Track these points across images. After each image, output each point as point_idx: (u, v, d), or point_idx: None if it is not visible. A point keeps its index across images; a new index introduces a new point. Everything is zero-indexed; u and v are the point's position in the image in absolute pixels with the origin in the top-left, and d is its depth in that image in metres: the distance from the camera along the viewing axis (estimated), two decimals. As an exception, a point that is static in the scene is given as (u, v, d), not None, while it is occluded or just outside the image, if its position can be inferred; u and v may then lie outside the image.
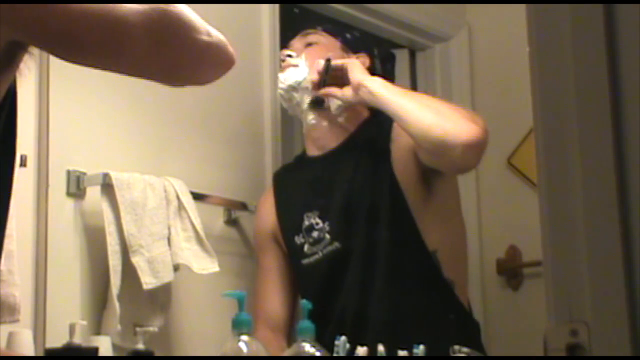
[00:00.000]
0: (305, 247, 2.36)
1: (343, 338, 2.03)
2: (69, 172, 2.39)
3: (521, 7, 1.23)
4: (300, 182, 2.46)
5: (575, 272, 1.10)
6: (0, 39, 1.33)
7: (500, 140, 3.33)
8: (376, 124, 2.39)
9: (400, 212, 2.27)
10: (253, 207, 2.76)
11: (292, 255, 2.41)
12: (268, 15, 2.88)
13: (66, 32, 1.35)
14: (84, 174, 2.41)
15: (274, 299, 2.41)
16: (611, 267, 1.08)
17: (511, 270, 3.28)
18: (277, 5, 2.90)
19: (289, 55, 2.47)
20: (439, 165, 2.27)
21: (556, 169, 1.14)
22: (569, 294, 1.10)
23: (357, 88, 2.29)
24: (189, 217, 2.50)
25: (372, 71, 2.45)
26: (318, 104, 2.45)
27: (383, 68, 2.53)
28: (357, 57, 2.46)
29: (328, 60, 2.37)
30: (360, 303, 2.28)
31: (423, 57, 3.43)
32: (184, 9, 1.45)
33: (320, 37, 2.49)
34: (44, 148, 2.37)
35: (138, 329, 2.24)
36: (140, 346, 2.19)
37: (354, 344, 2.06)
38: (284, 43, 2.70)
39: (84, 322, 2.22)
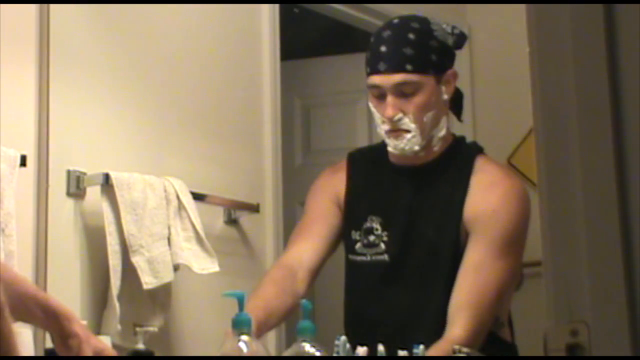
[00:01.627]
0: (358, 245, 2.34)
1: (343, 338, 2.03)
2: (69, 172, 2.39)
3: (521, 7, 1.23)
4: (375, 179, 2.41)
5: (575, 272, 1.10)
6: None
7: (500, 140, 3.34)
8: (460, 153, 2.35)
9: (457, 253, 2.26)
10: (253, 207, 2.77)
11: (343, 244, 2.39)
12: (268, 15, 2.88)
13: None
14: (84, 174, 2.41)
15: (313, 241, 2.35)
16: (611, 267, 1.08)
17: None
18: (277, 5, 2.90)
19: (398, 120, 2.26)
20: None
21: (556, 169, 1.14)
22: (569, 294, 1.10)
23: None
24: (189, 217, 2.50)
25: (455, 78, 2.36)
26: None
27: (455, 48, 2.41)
28: (448, 77, 2.32)
29: None
30: (396, 325, 2.28)
31: (423, 57, 3.43)
32: None
33: (415, 84, 2.27)
34: (44, 148, 2.37)
35: (138, 329, 2.24)
36: (140, 346, 2.19)
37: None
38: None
39: (84, 322, 2.22)
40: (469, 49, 3.45)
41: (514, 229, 2.28)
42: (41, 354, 2.20)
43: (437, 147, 2.32)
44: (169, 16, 2.68)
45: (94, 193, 2.40)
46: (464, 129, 3.41)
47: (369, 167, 2.41)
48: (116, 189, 2.37)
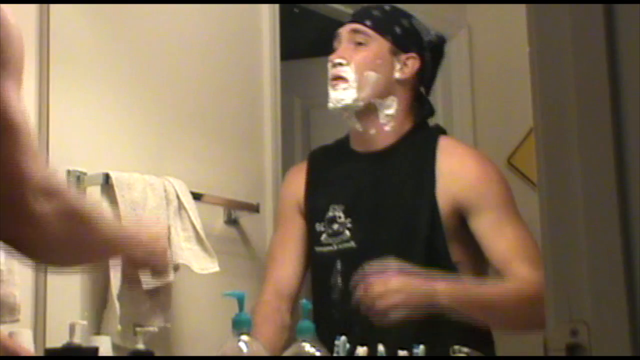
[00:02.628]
0: (323, 236, 2.36)
1: (343, 338, 2.03)
2: (69, 172, 2.39)
3: (521, 7, 1.23)
4: (335, 170, 2.44)
5: (575, 272, 1.10)
6: None
7: (500, 140, 3.34)
8: (421, 137, 2.37)
9: (434, 235, 2.27)
10: (253, 207, 2.77)
11: (309, 237, 2.41)
12: (268, 15, 2.88)
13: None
14: (84, 174, 2.41)
15: (287, 266, 2.40)
16: (611, 267, 1.08)
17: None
18: (277, 5, 2.90)
19: (340, 63, 2.38)
20: None
21: (556, 169, 1.14)
22: (569, 294, 1.10)
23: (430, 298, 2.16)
24: (189, 217, 2.50)
25: (423, 72, 2.41)
26: (363, 111, 2.39)
27: (433, 59, 2.46)
28: (407, 58, 2.39)
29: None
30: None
31: (423, 57, 3.43)
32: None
33: (369, 37, 2.39)
34: (43, 148, 2.36)
35: (138, 329, 2.24)
36: (140, 346, 2.19)
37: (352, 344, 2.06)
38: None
39: (84, 322, 2.22)
40: (469, 49, 3.45)
41: (506, 189, 2.33)
42: (41, 354, 2.20)
43: (388, 127, 2.35)
44: (169, 16, 2.68)
45: (94, 193, 2.40)
46: (464, 129, 3.42)
47: (330, 159, 2.45)
48: (116, 189, 2.37)
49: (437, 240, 2.27)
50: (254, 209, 2.77)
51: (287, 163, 3.02)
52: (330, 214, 2.36)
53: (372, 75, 2.36)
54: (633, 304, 1.06)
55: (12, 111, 1.35)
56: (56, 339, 2.19)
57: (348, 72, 2.36)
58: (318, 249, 2.37)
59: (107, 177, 2.38)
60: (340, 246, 2.33)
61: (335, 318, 2.29)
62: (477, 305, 2.14)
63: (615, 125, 1.10)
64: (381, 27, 2.41)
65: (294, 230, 2.44)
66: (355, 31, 2.41)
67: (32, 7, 2.41)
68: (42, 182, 1.36)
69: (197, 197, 2.56)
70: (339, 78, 2.37)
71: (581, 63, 1.13)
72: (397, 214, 2.32)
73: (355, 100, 2.35)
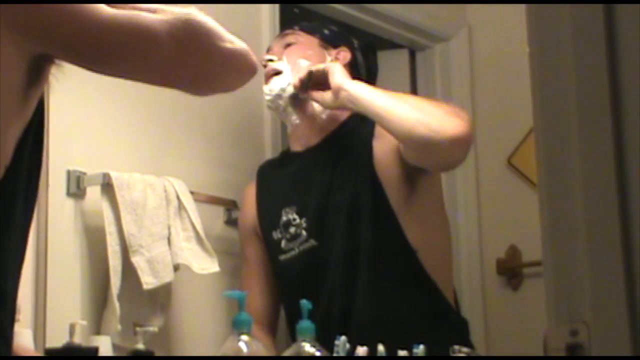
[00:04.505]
0: (283, 243, 2.37)
1: (343, 338, 2.03)
2: (69, 172, 2.39)
3: (521, 7, 1.23)
4: (281, 177, 2.46)
5: (575, 272, 1.10)
6: (28, 53, 1.34)
7: (500, 140, 3.34)
8: (359, 121, 2.39)
9: (382, 211, 2.27)
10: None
11: (270, 250, 2.42)
12: (268, 15, 2.88)
13: (96, 45, 1.37)
14: (84, 174, 2.41)
15: (256, 292, 2.41)
16: (611, 267, 1.08)
17: (511, 270, 3.28)
18: (277, 5, 2.90)
19: (270, 60, 2.47)
20: (425, 163, 2.26)
21: (556, 169, 1.14)
22: (569, 294, 1.10)
23: (337, 92, 2.28)
24: (189, 217, 2.50)
25: (354, 64, 2.47)
26: (297, 99, 2.46)
27: (365, 59, 2.53)
28: (338, 52, 2.47)
29: (310, 72, 2.38)
30: (342, 303, 2.28)
31: (423, 57, 3.43)
32: (206, 18, 1.45)
33: (298, 37, 2.50)
34: (44, 148, 2.36)
35: (138, 329, 2.24)
36: (140, 346, 2.19)
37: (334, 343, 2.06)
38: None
39: (84, 322, 2.22)
40: (469, 49, 3.45)
41: None
42: (41, 354, 2.20)
43: (324, 115, 2.39)
44: (169, 16, 2.68)
45: (94, 193, 2.40)
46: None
47: (274, 168, 2.48)
48: (116, 189, 2.37)
49: (385, 217, 2.27)
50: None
51: (287, 163, 3.01)
52: (284, 218, 2.37)
53: (303, 62, 2.42)
54: (633, 304, 1.06)
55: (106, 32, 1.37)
56: (56, 339, 2.19)
57: (281, 65, 2.45)
58: (282, 257, 2.37)
59: (107, 177, 2.38)
60: (302, 247, 2.34)
61: (317, 320, 2.30)
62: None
63: (615, 125, 1.10)
64: (309, 28, 2.53)
65: (255, 254, 2.46)
66: (284, 35, 2.53)
67: (32, 7, 2.40)
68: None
69: (197, 197, 2.56)
70: (273, 73, 2.44)
71: (581, 63, 1.13)
72: (345, 199, 2.32)
73: (290, 84, 2.40)
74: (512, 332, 3.11)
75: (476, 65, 3.44)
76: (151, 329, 2.27)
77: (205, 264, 2.49)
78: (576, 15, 1.13)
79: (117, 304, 2.31)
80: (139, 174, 2.44)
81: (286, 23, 2.88)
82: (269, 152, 2.84)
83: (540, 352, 1.16)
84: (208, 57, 1.45)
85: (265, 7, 2.88)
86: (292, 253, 2.35)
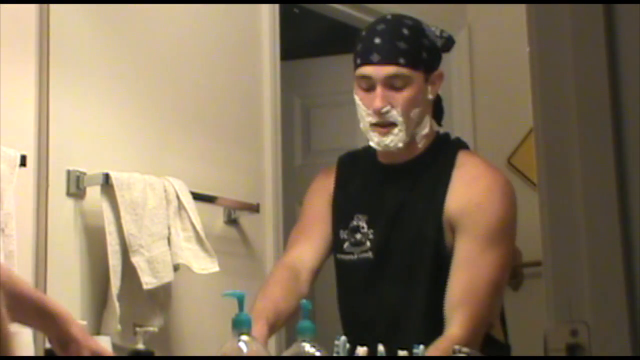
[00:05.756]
0: (346, 245, 2.36)
1: (343, 338, 2.03)
2: (69, 172, 2.39)
3: (521, 7, 1.23)
4: (361, 180, 2.43)
5: (575, 272, 1.10)
6: None
7: (500, 140, 3.34)
8: (443, 150, 2.35)
9: (441, 244, 2.26)
10: (253, 207, 2.77)
11: (333, 243, 2.40)
12: (268, 15, 2.88)
13: None
14: (84, 174, 2.41)
15: (313, 242, 2.38)
16: (611, 267, 1.08)
17: (511, 270, 3.28)
18: (277, 5, 2.90)
19: (387, 111, 2.27)
20: None
21: (556, 169, 1.14)
22: (569, 294, 1.10)
23: None
24: (189, 217, 2.50)
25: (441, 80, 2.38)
26: None
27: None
28: (435, 78, 2.34)
29: None
30: (387, 321, 2.28)
31: (423, 57, 3.43)
32: None
33: (406, 79, 2.28)
34: (44, 148, 2.37)
35: (138, 329, 2.24)
36: (140, 346, 2.19)
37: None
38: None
39: (84, 322, 2.22)
40: (469, 49, 3.45)
41: (500, 220, 2.27)
42: (41, 354, 2.20)
43: (420, 145, 2.33)
44: (169, 16, 2.68)
45: (94, 193, 2.40)
46: (464, 129, 3.42)
47: (357, 168, 2.43)
48: (116, 189, 2.37)
49: (443, 249, 2.27)
50: (254, 209, 2.77)
51: (287, 163, 3.02)
52: (354, 223, 2.35)
53: (416, 111, 2.30)
54: (633, 304, 1.06)
55: None
56: (56, 339, 2.19)
57: (394, 116, 2.26)
58: (340, 256, 2.37)
59: (107, 177, 2.38)
60: (360, 256, 2.33)
61: (362, 320, 2.31)
62: None
63: (615, 125, 1.10)
64: (414, 62, 2.30)
65: (326, 217, 2.40)
66: (392, 76, 2.28)
67: (32, 7, 2.41)
68: None
69: (197, 197, 2.56)
70: (389, 124, 2.29)
71: (581, 63, 1.13)
72: (411, 224, 2.31)
73: (405, 140, 2.31)
74: (512, 332, 3.10)
75: (476, 65, 3.44)
76: (151, 329, 2.27)
77: (205, 264, 2.50)
78: (576, 15, 1.13)
79: (117, 304, 2.31)
80: (138, 174, 2.44)
81: (286, 23, 2.88)
82: (269, 152, 2.84)
83: (540, 352, 1.16)
84: None
85: (265, 7, 2.88)
86: (351, 257, 2.34)
